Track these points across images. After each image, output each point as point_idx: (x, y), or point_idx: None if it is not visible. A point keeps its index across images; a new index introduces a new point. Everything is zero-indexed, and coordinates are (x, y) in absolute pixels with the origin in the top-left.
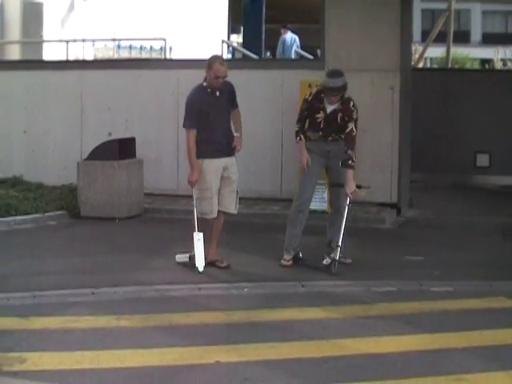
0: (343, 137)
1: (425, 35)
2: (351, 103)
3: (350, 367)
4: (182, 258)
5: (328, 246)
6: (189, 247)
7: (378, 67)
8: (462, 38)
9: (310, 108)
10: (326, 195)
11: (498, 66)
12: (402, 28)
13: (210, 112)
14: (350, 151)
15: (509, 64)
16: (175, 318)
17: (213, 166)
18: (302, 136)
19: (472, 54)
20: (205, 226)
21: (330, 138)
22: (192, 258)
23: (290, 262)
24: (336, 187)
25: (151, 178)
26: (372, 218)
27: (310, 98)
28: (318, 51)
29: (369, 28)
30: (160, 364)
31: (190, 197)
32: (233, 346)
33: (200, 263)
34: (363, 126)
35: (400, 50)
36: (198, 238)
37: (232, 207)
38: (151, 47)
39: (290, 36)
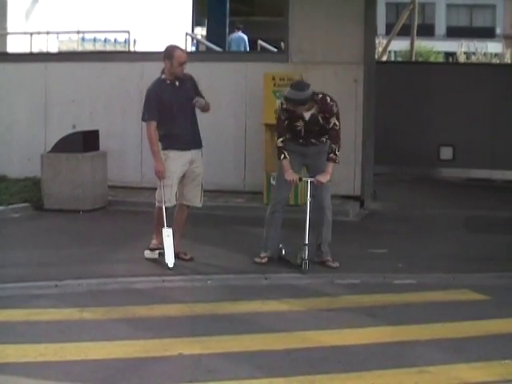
0: (326, 138)
1: (389, 28)
2: (328, 99)
3: (312, 359)
4: (150, 254)
5: (318, 248)
6: (158, 243)
7: (342, 60)
8: (427, 31)
9: (288, 117)
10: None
11: (462, 59)
12: (365, 21)
13: (173, 104)
14: (333, 145)
15: (472, 57)
16: (138, 311)
17: (178, 158)
18: (285, 153)
19: (436, 47)
20: (162, 217)
21: (310, 144)
22: (162, 254)
23: (265, 260)
24: (306, 178)
25: (115, 171)
26: (335, 210)
27: (287, 106)
28: (282, 44)
29: (333, 21)
30: (123, 356)
31: (154, 189)
32: (196, 338)
33: (170, 259)
34: None
35: (364, 43)
36: (167, 234)
37: (197, 201)
38: (115, 40)
39: (237, 35)
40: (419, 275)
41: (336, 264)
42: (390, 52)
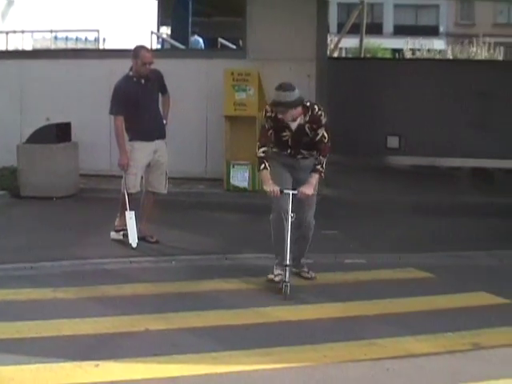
0: (315, 151)
1: (340, 27)
2: (316, 108)
3: (270, 334)
4: (116, 235)
5: (295, 259)
6: (122, 225)
7: (297, 56)
8: (375, 29)
9: (274, 127)
10: (247, 174)
11: (408, 55)
12: (318, 21)
13: (139, 99)
14: (320, 157)
15: (417, 53)
16: (108, 290)
17: (143, 148)
18: (266, 164)
19: (384, 44)
20: (135, 203)
21: (300, 156)
22: (126, 235)
23: (278, 278)
24: (287, 191)
25: (87, 160)
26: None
27: (272, 114)
28: (241, 42)
29: (288, 21)
30: (94, 332)
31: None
32: (161, 314)
33: (133, 239)
34: None
35: (316, 41)
36: (130, 216)
37: (162, 187)
38: (86, 38)
39: (194, 38)
40: (368, 255)
41: (312, 274)
42: (341, 49)
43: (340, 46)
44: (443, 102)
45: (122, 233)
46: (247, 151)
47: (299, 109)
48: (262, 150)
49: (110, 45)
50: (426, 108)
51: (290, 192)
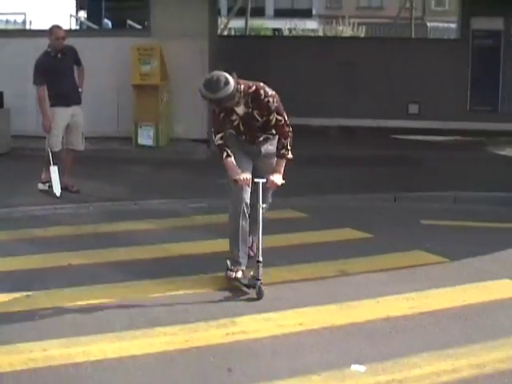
0: (272, 132)
1: (229, 10)
2: (261, 94)
3: (174, 264)
4: (42, 186)
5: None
6: (47, 177)
7: (192, 34)
8: (258, 12)
9: (222, 110)
10: (151, 134)
11: (286, 33)
12: (210, 4)
13: (56, 71)
14: (282, 140)
15: (293, 32)
16: (36, 232)
17: (63, 113)
18: (228, 151)
19: (266, 25)
20: (58, 159)
21: (258, 141)
22: (51, 186)
23: (240, 274)
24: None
25: (17, 124)
26: (189, 151)
27: None
28: (146, 22)
29: (184, 3)
30: (25, 268)
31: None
32: (82, 251)
33: (57, 190)
34: (181, 80)
35: (208, 21)
36: (54, 170)
37: (79, 145)
38: (15, 20)
39: (104, 21)
40: None
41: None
42: (230, 29)
43: (229, 26)
44: (315, 72)
45: (47, 184)
46: (151, 114)
47: (236, 98)
48: (218, 136)
49: (35, 26)
50: (300, 76)
51: (261, 181)
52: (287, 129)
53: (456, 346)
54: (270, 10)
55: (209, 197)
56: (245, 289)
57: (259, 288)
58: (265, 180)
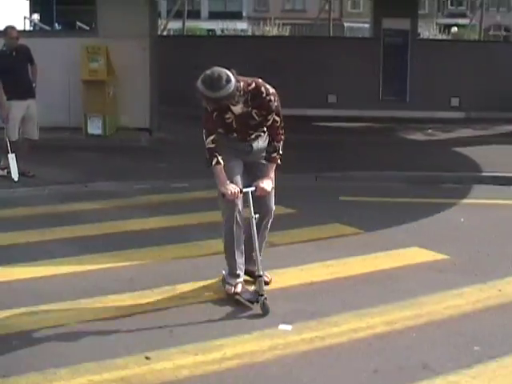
0: (264, 130)
1: (169, 13)
2: (263, 91)
3: (121, 240)
4: (1, 172)
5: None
6: (6, 164)
7: (135, 34)
8: (194, 15)
9: (216, 109)
10: (100, 124)
11: (219, 33)
12: (150, 6)
13: (12, 67)
14: (274, 143)
15: (225, 32)
16: None
17: (19, 105)
18: (218, 157)
19: (201, 26)
20: (15, 148)
21: (249, 138)
22: (9, 172)
23: (239, 288)
24: (246, 190)
25: None
26: (133, 139)
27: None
28: (94, 24)
29: (128, 6)
30: None
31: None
32: (38, 230)
33: (15, 175)
34: (126, 76)
35: (149, 22)
36: (12, 157)
37: (34, 135)
38: None
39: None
40: (190, 180)
41: (268, 277)
42: (169, 29)
43: (168, 27)
44: (245, 66)
45: (6, 170)
46: (99, 106)
47: (236, 98)
48: (210, 139)
49: None
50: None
51: (250, 190)
52: (281, 131)
53: (370, 306)
54: (204, 13)
55: (151, 179)
56: (248, 304)
57: (263, 303)
58: (254, 188)
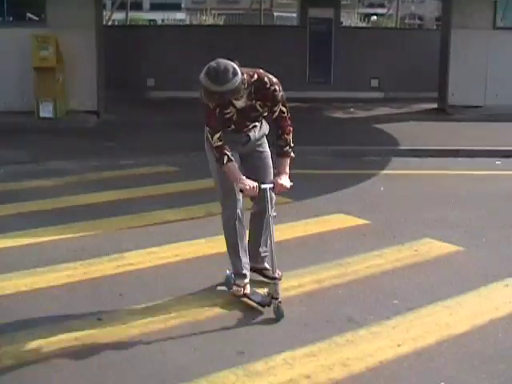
0: (261, 120)
1: (113, 4)
2: (266, 82)
3: (74, 213)
4: None
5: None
6: None
7: (81, 24)
8: (137, 6)
9: (219, 105)
10: (51, 108)
11: (160, 23)
12: None
13: None
14: (285, 135)
15: (166, 22)
16: None
17: None
18: (228, 154)
19: (143, 17)
20: None
21: (245, 129)
22: None
23: (247, 289)
24: (265, 186)
25: None
26: (82, 120)
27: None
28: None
29: None
30: None
31: None
32: None
33: None
34: (74, 63)
35: (95, 13)
36: None
37: None
38: None
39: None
40: (137, 158)
41: (279, 273)
42: (113, 20)
43: (112, 18)
44: (184, 52)
45: None
46: (50, 91)
47: (241, 92)
48: (216, 137)
49: None
50: (173, 57)
51: (268, 186)
52: (289, 122)
53: (301, 267)
54: (146, 5)
55: (99, 157)
56: (258, 307)
57: (278, 307)
58: (272, 185)
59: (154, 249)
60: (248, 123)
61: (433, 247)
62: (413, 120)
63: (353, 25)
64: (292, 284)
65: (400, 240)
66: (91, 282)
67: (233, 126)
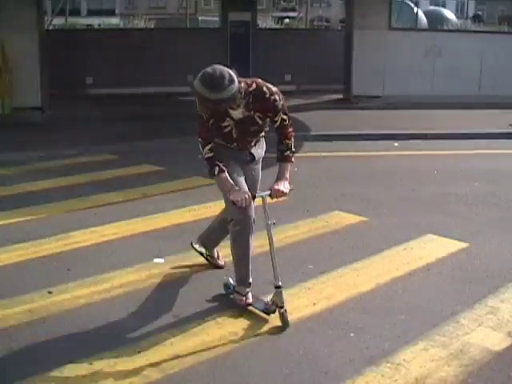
0: (262, 134)
1: (53, 10)
2: (265, 91)
3: (24, 199)
4: None
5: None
6: None
7: (25, 29)
8: (75, 12)
9: (213, 115)
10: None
11: (96, 27)
12: (37, 6)
13: None
14: (286, 140)
15: (102, 26)
16: None
17: None
18: (220, 165)
19: (81, 22)
20: None
21: (250, 145)
22: None
23: (250, 299)
24: (261, 194)
25: None
26: (28, 116)
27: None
28: None
29: (17, 5)
30: None
31: None
32: None
33: None
34: (19, 64)
35: (36, 19)
36: None
37: None
38: None
39: None
40: (78, 148)
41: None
42: (54, 25)
43: (53, 23)
44: (119, 53)
45: None
46: None
47: (237, 101)
48: (207, 148)
49: None
50: (109, 57)
51: (264, 194)
52: (291, 129)
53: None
54: (84, 10)
55: (45, 148)
56: (263, 315)
57: (283, 315)
58: (268, 192)
59: (96, 228)
60: (250, 139)
61: (341, 218)
62: (321, 109)
63: (268, 27)
64: (224, 254)
65: (312, 213)
66: (41, 260)
67: (235, 144)
